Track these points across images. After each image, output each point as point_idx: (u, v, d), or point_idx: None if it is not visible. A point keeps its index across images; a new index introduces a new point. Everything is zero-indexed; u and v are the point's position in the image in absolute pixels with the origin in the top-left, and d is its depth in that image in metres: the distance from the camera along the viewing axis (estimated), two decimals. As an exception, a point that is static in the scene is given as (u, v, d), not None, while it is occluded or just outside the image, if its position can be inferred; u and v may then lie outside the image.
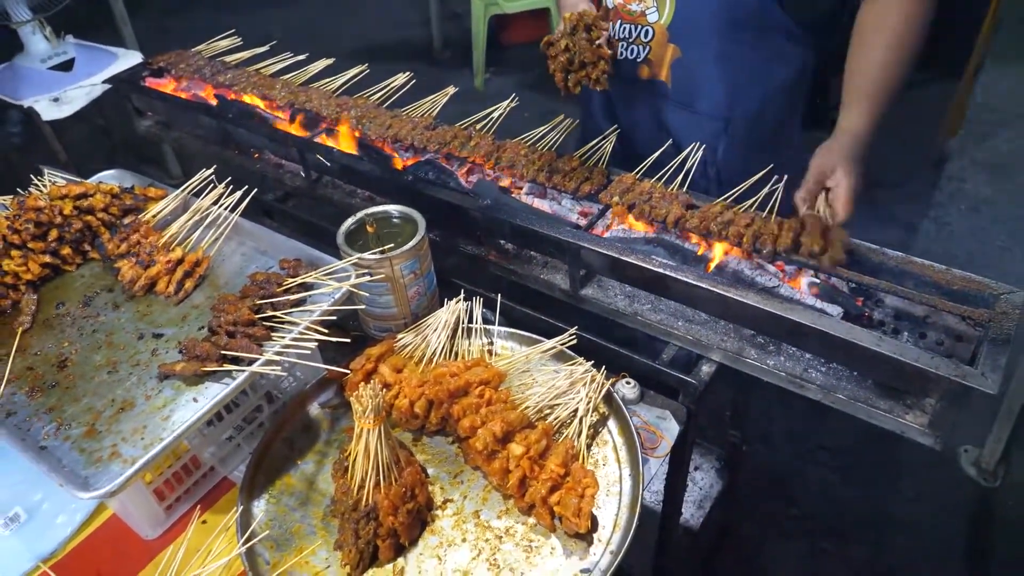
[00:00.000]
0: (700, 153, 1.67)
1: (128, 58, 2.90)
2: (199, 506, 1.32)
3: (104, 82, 2.64)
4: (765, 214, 1.53)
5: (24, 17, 2.74)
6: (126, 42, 3.89)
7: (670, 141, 1.78)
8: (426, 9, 5.81)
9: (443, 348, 1.43)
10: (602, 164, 1.73)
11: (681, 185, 1.64)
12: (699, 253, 1.52)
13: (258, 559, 1.18)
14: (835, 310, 1.37)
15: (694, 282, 1.39)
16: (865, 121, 1.54)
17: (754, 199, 1.55)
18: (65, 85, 2.73)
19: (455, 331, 1.46)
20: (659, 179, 1.67)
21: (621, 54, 1.79)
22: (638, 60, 1.79)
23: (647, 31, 1.74)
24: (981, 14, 3.59)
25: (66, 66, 2.83)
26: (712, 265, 1.49)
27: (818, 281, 1.43)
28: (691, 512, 2.12)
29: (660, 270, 1.42)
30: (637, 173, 1.68)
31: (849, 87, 1.57)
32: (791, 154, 1.78)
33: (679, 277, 1.40)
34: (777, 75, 1.77)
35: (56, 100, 2.67)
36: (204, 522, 1.29)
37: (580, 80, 1.58)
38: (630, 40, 1.78)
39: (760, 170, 1.59)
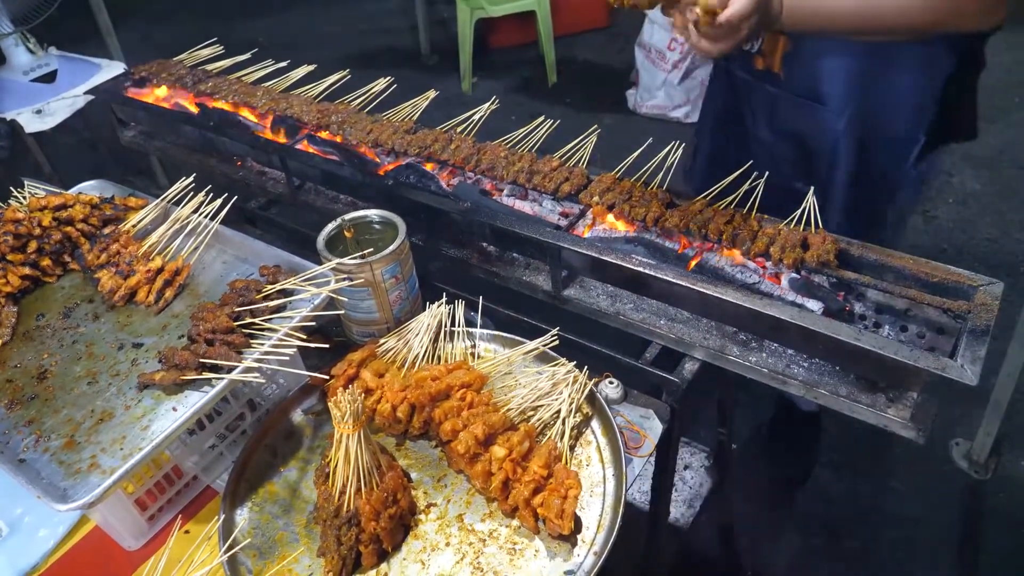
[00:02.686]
0: (678, 153, 1.66)
1: (111, 69, 2.90)
2: (181, 516, 1.31)
3: (86, 93, 2.63)
4: (745, 211, 1.53)
5: (5, 30, 2.73)
6: (111, 53, 3.88)
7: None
8: (413, 15, 5.81)
9: (426, 352, 1.43)
10: (582, 163, 1.73)
11: (661, 183, 1.64)
12: (680, 251, 1.52)
13: (240, 567, 1.17)
14: (816, 305, 1.37)
15: (675, 280, 1.39)
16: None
17: (733, 196, 1.55)
18: (48, 97, 2.72)
19: (438, 334, 1.46)
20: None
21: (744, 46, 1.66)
22: (752, 50, 1.71)
23: None
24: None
25: (49, 78, 2.82)
26: (693, 263, 1.49)
27: (799, 277, 1.43)
28: (681, 511, 2.11)
29: (640, 269, 1.42)
30: (617, 173, 1.68)
31: None
32: (912, 159, 1.66)
33: (659, 276, 1.40)
34: (901, 73, 1.59)
35: (39, 112, 2.66)
36: (187, 532, 1.29)
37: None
38: None
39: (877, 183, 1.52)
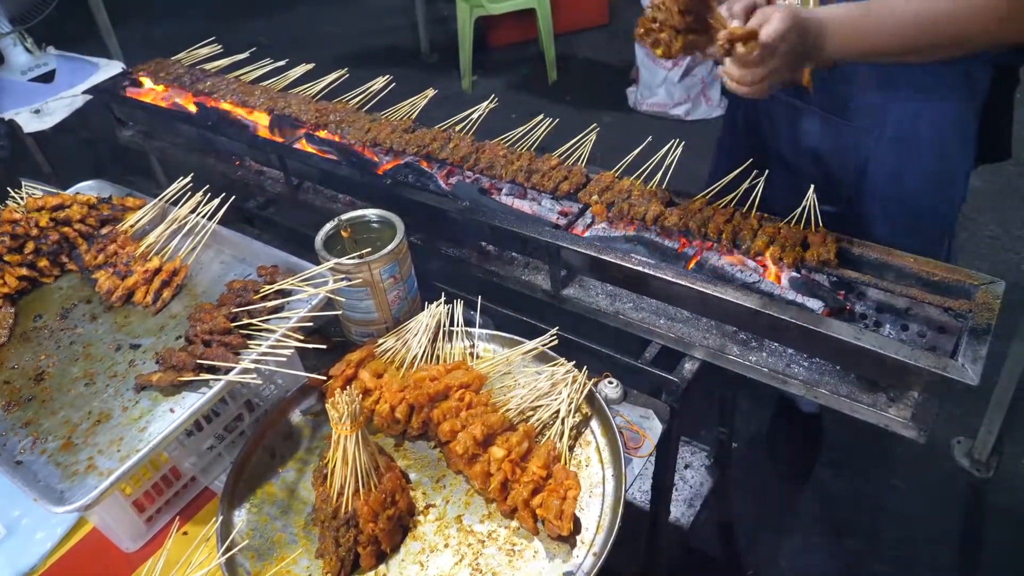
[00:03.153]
0: (678, 151, 1.64)
1: (110, 68, 2.88)
2: (179, 517, 1.30)
3: (84, 93, 2.62)
4: (745, 209, 1.53)
5: (3, 29, 2.72)
6: (110, 52, 3.87)
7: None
8: (413, 13, 5.80)
9: (424, 352, 1.42)
10: (581, 162, 1.72)
11: (660, 182, 1.63)
12: (679, 250, 1.51)
13: (239, 569, 1.17)
14: (816, 304, 1.36)
15: (674, 279, 1.38)
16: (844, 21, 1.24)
17: (733, 195, 1.54)
18: (46, 97, 2.70)
19: (436, 334, 1.45)
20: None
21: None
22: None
23: None
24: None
25: (47, 77, 2.81)
26: (692, 262, 1.48)
27: (799, 275, 1.42)
28: (682, 511, 2.11)
29: (640, 268, 1.41)
30: (616, 171, 1.67)
31: None
32: (951, 184, 1.57)
33: (659, 275, 1.39)
34: (938, 91, 1.49)
35: (37, 112, 2.65)
36: (185, 533, 1.28)
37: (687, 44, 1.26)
38: None
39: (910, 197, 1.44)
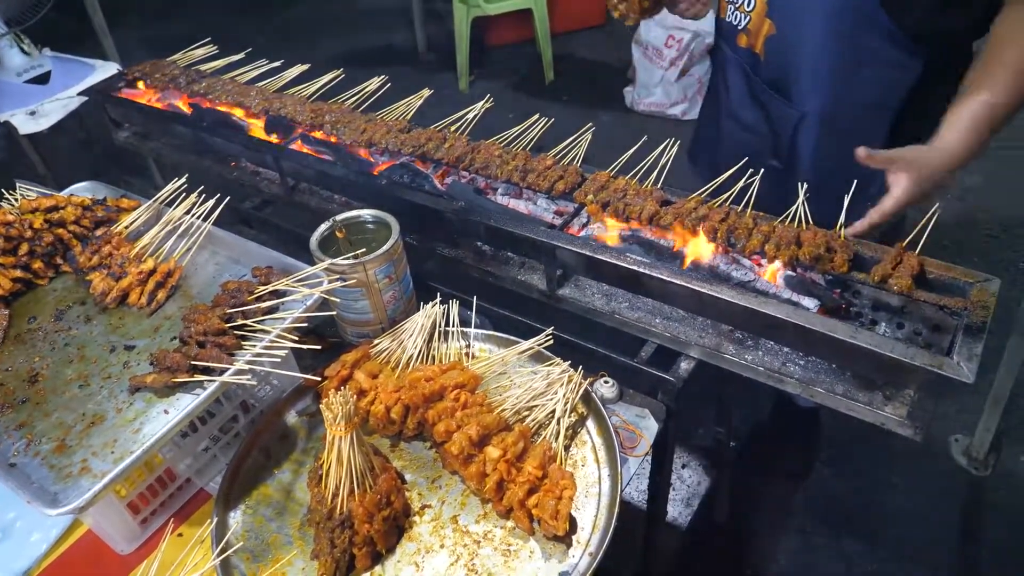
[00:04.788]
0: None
1: (105, 69, 2.87)
2: (174, 519, 1.30)
3: (79, 94, 2.62)
4: (740, 208, 1.52)
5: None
6: (107, 53, 3.86)
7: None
8: (409, 13, 5.80)
9: (420, 352, 1.42)
10: (576, 162, 1.72)
11: (656, 181, 1.63)
12: (674, 249, 1.51)
13: (234, 571, 1.16)
14: (811, 303, 1.36)
15: (669, 278, 1.38)
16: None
17: (729, 193, 1.54)
18: (41, 98, 2.70)
19: (432, 335, 1.45)
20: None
21: (727, 16, 1.76)
22: (739, 27, 1.73)
23: (750, 0, 1.68)
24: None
25: (42, 79, 2.81)
26: (687, 261, 1.48)
27: (794, 274, 1.42)
28: (679, 510, 2.11)
29: (635, 267, 1.41)
30: (612, 171, 1.67)
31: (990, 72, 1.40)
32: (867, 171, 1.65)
33: (654, 274, 1.39)
34: (871, 80, 1.62)
35: (33, 114, 2.65)
36: (180, 535, 1.28)
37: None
38: (736, 5, 1.72)
39: (840, 173, 1.50)
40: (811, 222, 1.47)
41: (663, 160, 1.65)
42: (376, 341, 1.43)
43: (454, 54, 5.28)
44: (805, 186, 1.50)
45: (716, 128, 1.98)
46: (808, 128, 1.71)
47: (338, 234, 1.47)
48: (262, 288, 1.36)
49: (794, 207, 1.49)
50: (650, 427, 1.36)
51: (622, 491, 1.20)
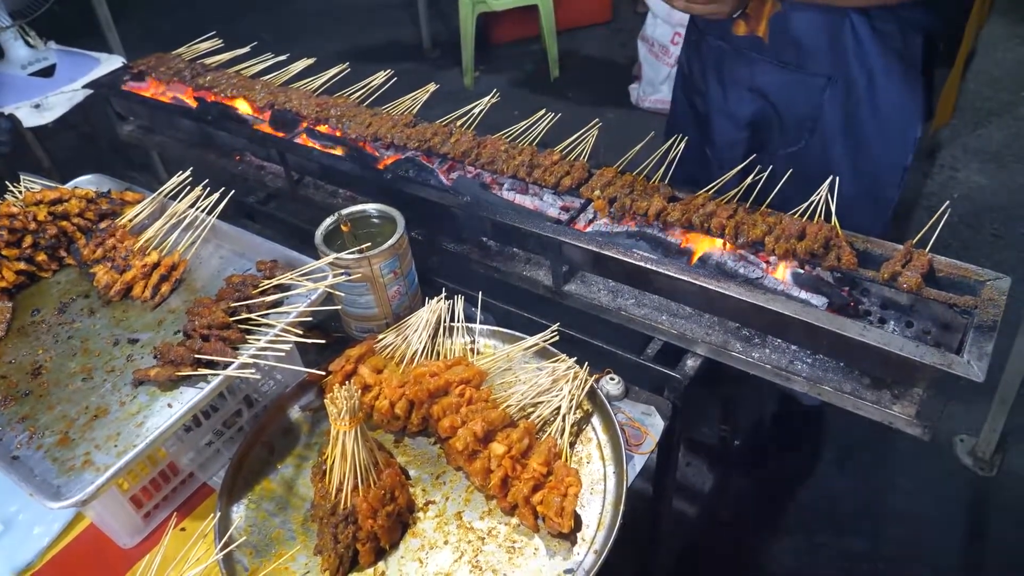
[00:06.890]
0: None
1: (110, 63, 2.87)
2: (177, 513, 1.30)
3: (84, 87, 2.61)
4: (748, 204, 1.51)
5: (4, 23, 2.72)
6: (111, 47, 3.86)
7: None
8: (415, 8, 5.78)
9: (425, 348, 1.41)
10: (583, 158, 1.71)
11: (663, 177, 1.62)
12: (682, 245, 1.50)
13: (236, 566, 1.16)
14: (820, 300, 1.35)
15: (676, 275, 1.37)
16: None
17: (737, 189, 1.53)
18: (46, 91, 2.69)
19: (437, 330, 1.44)
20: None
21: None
22: (734, 15, 1.70)
23: None
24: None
25: (47, 72, 2.80)
26: (695, 257, 1.47)
27: (802, 271, 1.41)
28: (684, 508, 2.10)
29: (642, 263, 1.40)
30: (619, 166, 1.66)
31: None
32: (900, 135, 1.67)
33: (661, 270, 1.38)
34: (884, 40, 1.63)
35: (37, 107, 2.64)
36: (183, 529, 1.28)
37: None
38: None
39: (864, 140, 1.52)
40: (832, 212, 1.45)
41: (670, 156, 1.63)
42: (381, 336, 1.43)
43: (459, 50, 5.27)
44: (836, 180, 1.48)
45: (697, 130, 1.97)
46: (833, 105, 1.70)
47: (343, 228, 1.47)
48: (266, 282, 1.35)
49: (817, 195, 1.47)
50: (656, 424, 1.35)
51: (627, 488, 1.19)
